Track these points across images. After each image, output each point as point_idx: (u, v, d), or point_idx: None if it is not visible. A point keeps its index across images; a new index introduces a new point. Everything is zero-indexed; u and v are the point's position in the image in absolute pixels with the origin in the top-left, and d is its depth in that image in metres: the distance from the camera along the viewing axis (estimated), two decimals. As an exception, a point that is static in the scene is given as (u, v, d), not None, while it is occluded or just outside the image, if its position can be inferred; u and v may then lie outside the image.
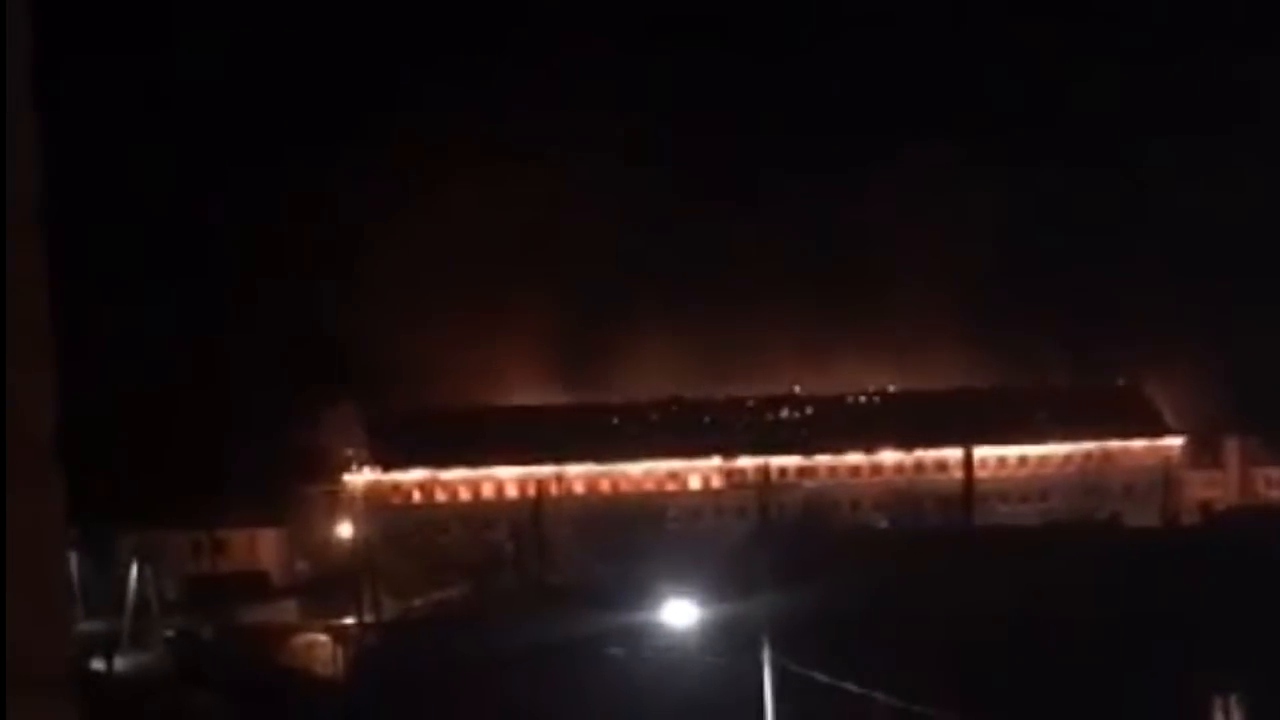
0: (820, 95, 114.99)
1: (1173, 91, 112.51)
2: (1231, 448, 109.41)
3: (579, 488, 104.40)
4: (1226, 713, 42.68)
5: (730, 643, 39.10)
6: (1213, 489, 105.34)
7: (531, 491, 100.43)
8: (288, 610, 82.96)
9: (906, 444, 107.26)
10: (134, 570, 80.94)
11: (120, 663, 70.96)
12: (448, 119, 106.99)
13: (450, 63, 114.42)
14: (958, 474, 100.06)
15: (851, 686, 38.92)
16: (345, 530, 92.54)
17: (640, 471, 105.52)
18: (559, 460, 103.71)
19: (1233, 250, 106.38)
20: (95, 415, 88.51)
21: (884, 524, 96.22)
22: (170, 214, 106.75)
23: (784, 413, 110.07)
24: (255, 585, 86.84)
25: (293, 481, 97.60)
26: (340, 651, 72.04)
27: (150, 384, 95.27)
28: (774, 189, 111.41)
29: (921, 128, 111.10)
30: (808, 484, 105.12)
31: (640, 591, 47.80)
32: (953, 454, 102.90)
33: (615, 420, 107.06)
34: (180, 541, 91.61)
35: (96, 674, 66.86)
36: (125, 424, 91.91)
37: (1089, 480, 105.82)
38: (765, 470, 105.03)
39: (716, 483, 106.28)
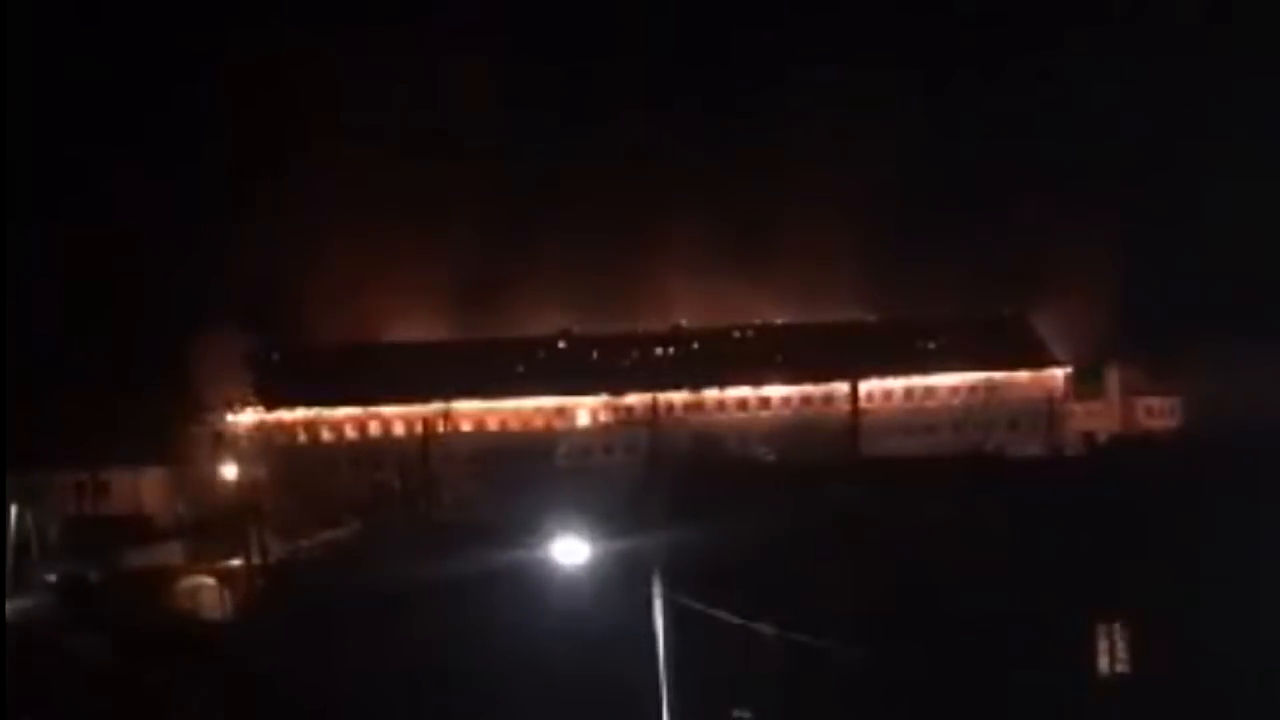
0: (707, 25, 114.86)
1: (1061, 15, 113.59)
2: (1112, 378, 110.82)
3: (467, 425, 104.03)
4: (1110, 640, 43.26)
5: (622, 579, 39.06)
6: (1095, 419, 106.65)
7: (419, 429, 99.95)
8: (173, 552, 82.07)
9: (793, 377, 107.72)
10: (13, 512, 79.70)
11: (1, 607, 69.87)
12: (330, 57, 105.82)
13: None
14: (845, 407, 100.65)
15: (743, 621, 39.03)
16: (230, 470, 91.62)
17: (529, 408, 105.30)
18: (447, 397, 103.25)
19: (1115, 183, 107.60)
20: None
21: (771, 458, 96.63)
22: (55, 154, 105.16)
23: (671, 348, 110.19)
24: (139, 527, 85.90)
25: (176, 421, 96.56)
26: (228, 593, 71.43)
27: (32, 325, 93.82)
28: (659, 121, 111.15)
29: (806, 60, 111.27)
30: (695, 419, 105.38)
31: (530, 529, 47.64)
32: (839, 387, 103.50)
33: (503, 357, 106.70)
34: (62, 482, 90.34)
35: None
36: (5, 364, 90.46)
37: (975, 412, 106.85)
38: (654, 405, 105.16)
39: (605, 418, 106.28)
